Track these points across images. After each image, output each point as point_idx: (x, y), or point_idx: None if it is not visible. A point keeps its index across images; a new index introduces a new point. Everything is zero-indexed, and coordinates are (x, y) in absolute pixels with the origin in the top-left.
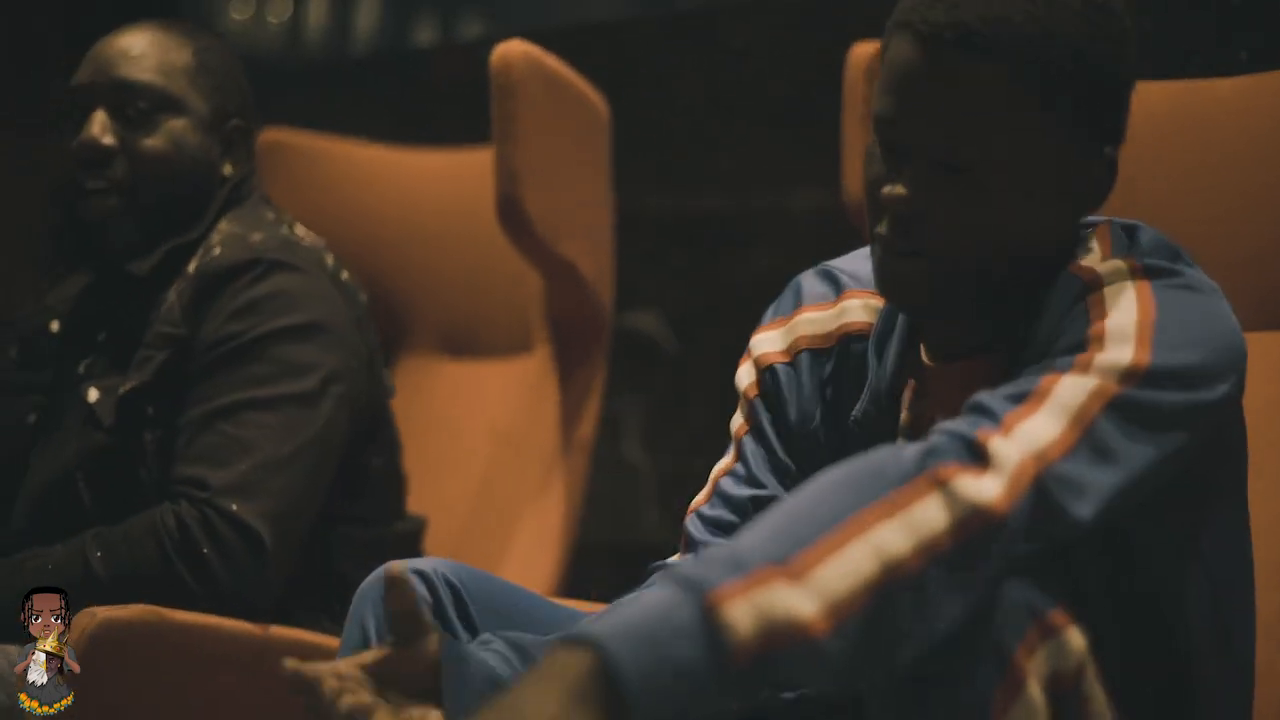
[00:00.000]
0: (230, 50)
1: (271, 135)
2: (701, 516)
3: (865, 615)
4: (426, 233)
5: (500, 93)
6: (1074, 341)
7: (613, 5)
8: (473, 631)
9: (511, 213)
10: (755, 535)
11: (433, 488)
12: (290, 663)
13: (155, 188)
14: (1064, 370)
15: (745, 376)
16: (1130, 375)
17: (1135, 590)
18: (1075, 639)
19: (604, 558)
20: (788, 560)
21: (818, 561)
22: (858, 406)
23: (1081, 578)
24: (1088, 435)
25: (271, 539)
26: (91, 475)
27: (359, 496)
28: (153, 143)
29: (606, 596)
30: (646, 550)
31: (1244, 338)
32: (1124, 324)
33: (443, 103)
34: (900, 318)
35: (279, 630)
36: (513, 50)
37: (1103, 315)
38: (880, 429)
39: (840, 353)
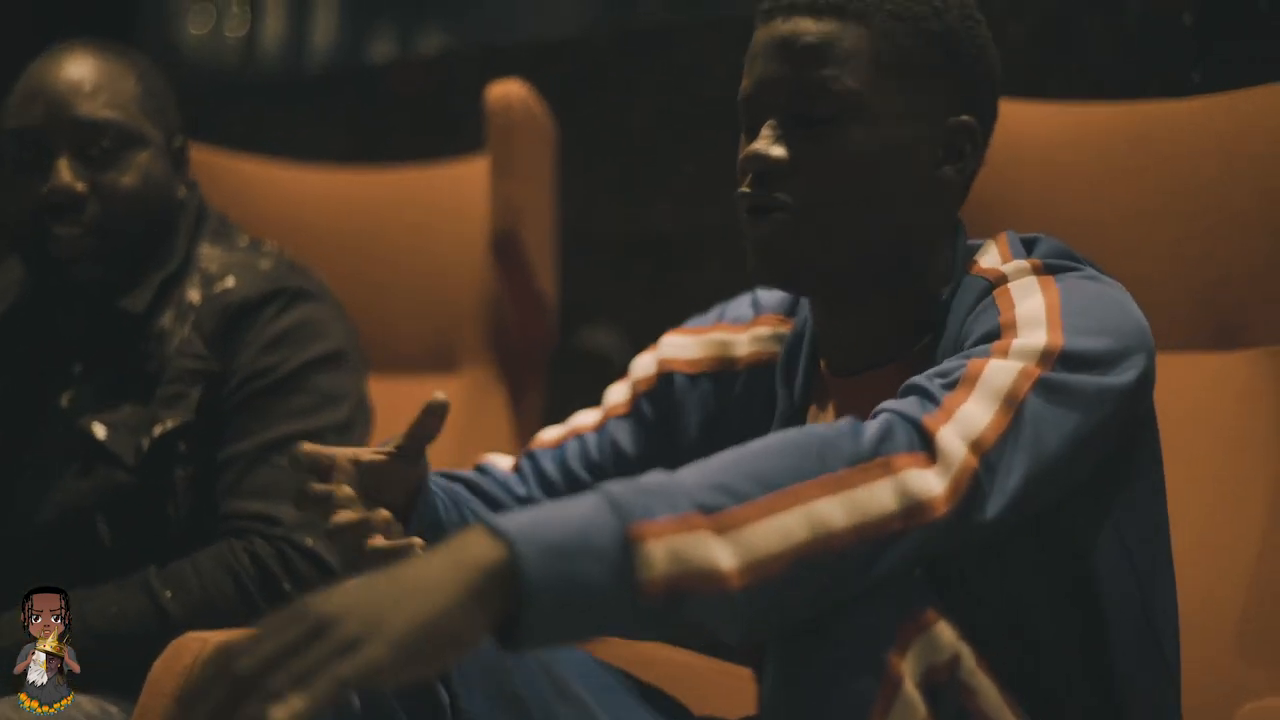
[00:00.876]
0: (159, 65)
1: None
2: (536, 465)
3: (783, 578)
4: (376, 251)
5: (499, 132)
6: (986, 331)
7: (567, 22)
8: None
9: (509, 248)
10: (697, 476)
11: None
12: (307, 447)
13: (128, 224)
14: (986, 356)
15: (643, 368)
16: (1048, 357)
17: (1060, 573)
18: (945, 632)
19: None
20: (722, 510)
21: (750, 520)
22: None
23: (1008, 562)
24: (1019, 417)
25: (343, 570)
26: (114, 514)
27: None
28: (124, 181)
29: None
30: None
31: (1147, 325)
32: (1034, 311)
33: (400, 117)
34: (805, 339)
35: None
36: (511, 90)
37: (1011, 306)
38: None
39: (748, 379)
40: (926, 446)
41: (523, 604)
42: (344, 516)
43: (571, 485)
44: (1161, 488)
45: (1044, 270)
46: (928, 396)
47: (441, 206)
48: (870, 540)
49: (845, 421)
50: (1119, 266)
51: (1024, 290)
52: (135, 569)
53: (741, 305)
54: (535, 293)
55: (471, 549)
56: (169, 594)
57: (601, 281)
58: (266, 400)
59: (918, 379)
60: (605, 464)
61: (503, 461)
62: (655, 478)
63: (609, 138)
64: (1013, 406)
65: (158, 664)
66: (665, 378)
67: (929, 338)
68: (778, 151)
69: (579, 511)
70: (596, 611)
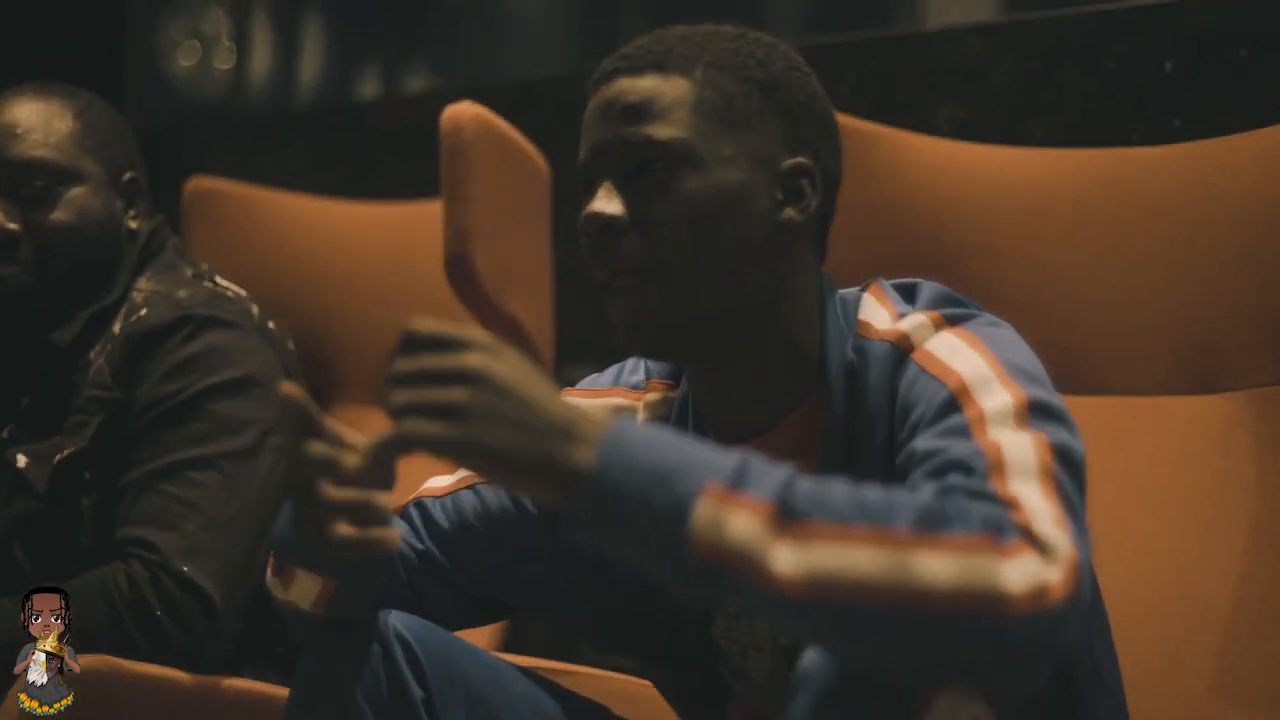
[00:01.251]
0: (106, 104)
1: (204, 184)
2: (426, 514)
3: (850, 611)
4: (355, 284)
5: (450, 153)
6: (941, 404)
7: (556, 61)
8: (424, 686)
9: (460, 270)
10: (822, 486)
11: None
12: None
13: (65, 260)
14: (972, 436)
15: None
16: (1021, 415)
17: None
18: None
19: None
20: (806, 518)
21: (827, 538)
22: None
23: None
24: (1059, 490)
25: (221, 598)
26: (28, 542)
27: None
28: (56, 217)
29: (543, 649)
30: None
31: None
32: (976, 369)
33: (385, 154)
34: (690, 407)
35: (230, 681)
36: (464, 111)
37: (946, 369)
38: None
39: None
40: (1030, 540)
41: (584, 491)
42: (347, 494)
43: (464, 535)
44: None
45: (946, 322)
46: (980, 494)
47: (418, 241)
48: (977, 611)
49: (943, 493)
50: (1099, 310)
51: (946, 348)
52: None
53: (636, 369)
54: (504, 320)
55: (590, 429)
56: None
57: (594, 319)
58: (163, 427)
59: (946, 481)
60: (502, 515)
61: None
62: (760, 461)
63: None
64: (1050, 479)
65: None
66: None
67: (814, 399)
68: (613, 208)
69: (685, 449)
70: (645, 533)
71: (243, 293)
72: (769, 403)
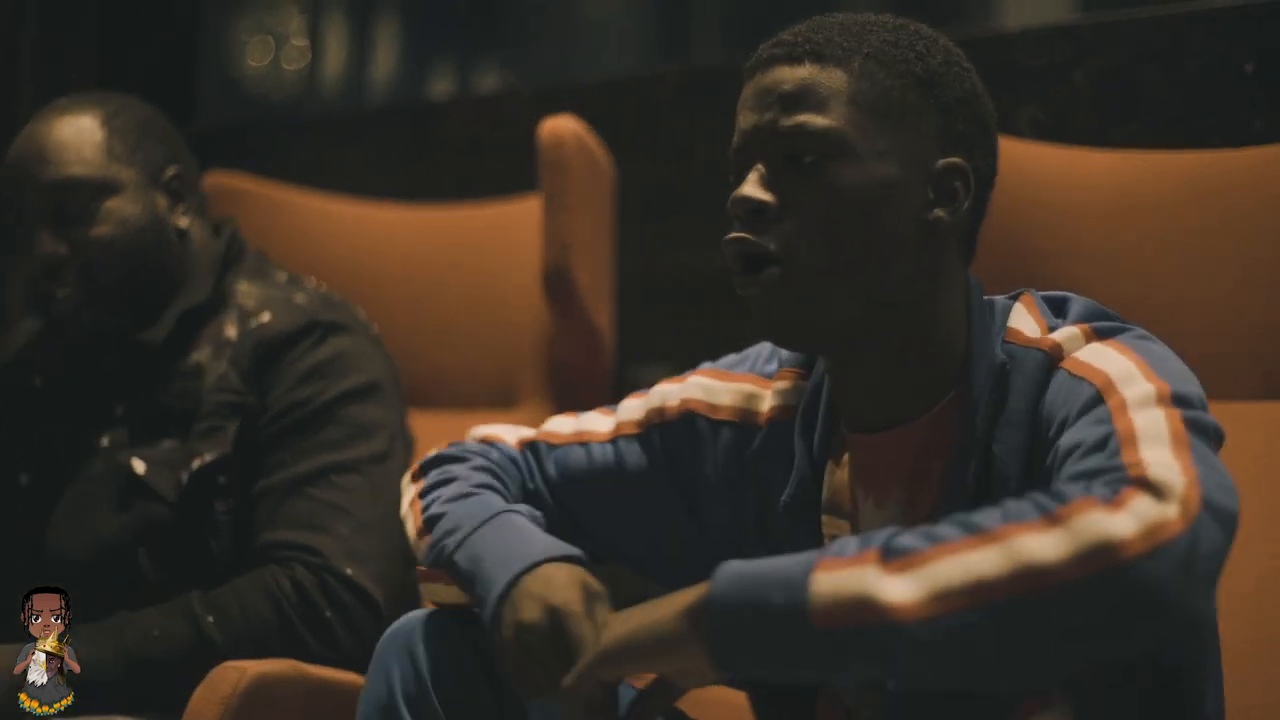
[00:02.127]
0: (141, 104)
1: (222, 180)
2: (540, 459)
3: (973, 612)
4: (383, 284)
5: (551, 167)
6: (1085, 402)
7: (626, 61)
8: (495, 686)
9: (561, 284)
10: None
11: None
12: None
13: (112, 272)
14: (1111, 419)
15: (665, 398)
16: (1163, 399)
17: None
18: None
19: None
20: (910, 552)
21: (939, 556)
22: (787, 490)
23: None
24: (1196, 451)
25: (383, 599)
26: (155, 549)
27: None
28: (98, 232)
29: None
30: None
31: None
32: (1123, 368)
33: (456, 155)
34: (824, 395)
35: None
36: (563, 126)
37: (1094, 372)
38: (804, 511)
39: (769, 433)
40: (1143, 485)
41: (710, 618)
42: None
43: (568, 486)
44: None
45: (1098, 335)
46: (1113, 469)
47: (498, 244)
48: (1097, 568)
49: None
50: (1181, 315)
51: (1096, 355)
52: None
53: (771, 357)
54: (590, 329)
55: (696, 587)
56: (211, 619)
57: (658, 322)
58: (300, 433)
59: (1083, 466)
60: (605, 478)
61: (509, 436)
62: (873, 533)
63: (667, 178)
64: (1184, 444)
65: (198, 692)
66: (687, 416)
67: (952, 395)
68: (764, 194)
69: (787, 557)
70: (774, 633)
71: (338, 294)
72: (905, 399)
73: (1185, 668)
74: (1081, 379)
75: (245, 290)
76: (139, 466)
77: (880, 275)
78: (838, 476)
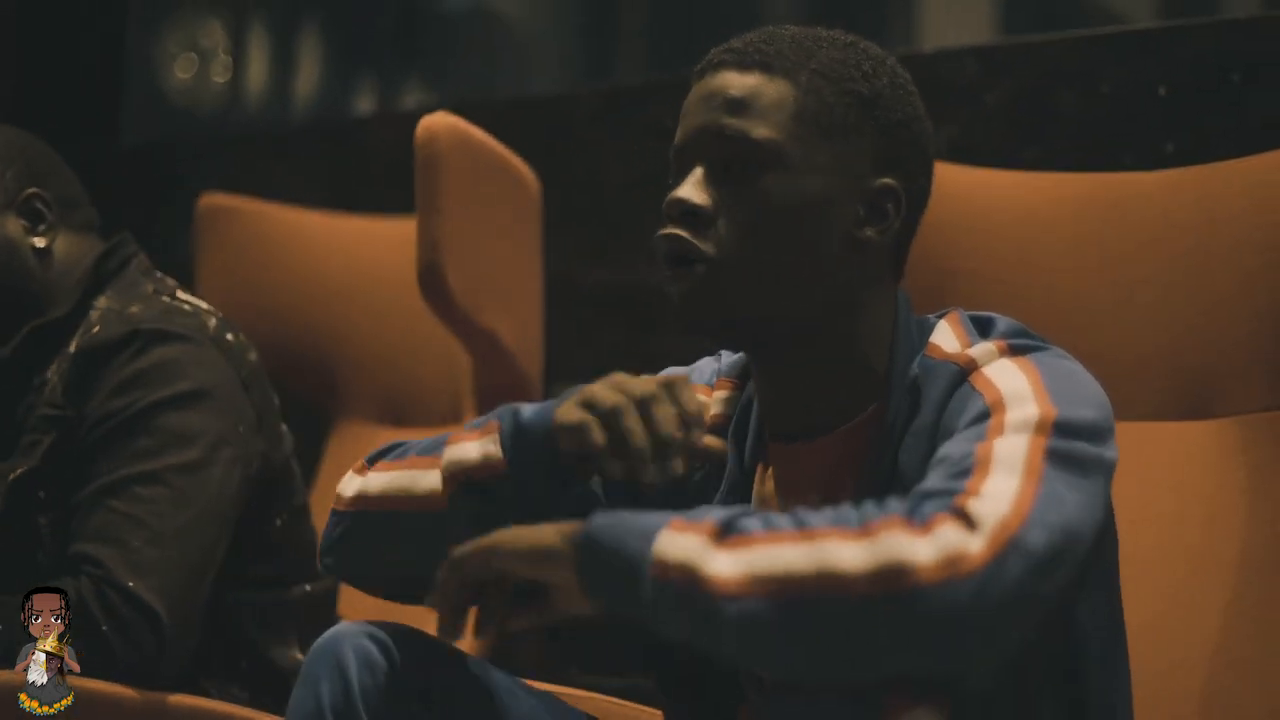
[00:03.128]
0: None
1: (217, 200)
2: None
3: (782, 603)
4: (365, 300)
5: (424, 163)
6: (975, 415)
7: (549, 80)
8: (426, 701)
9: (433, 282)
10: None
11: None
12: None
13: None
14: (983, 438)
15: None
16: (1044, 426)
17: (1048, 658)
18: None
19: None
20: (742, 532)
21: (762, 542)
22: (718, 495)
23: None
24: (1042, 486)
25: (168, 613)
26: None
27: (261, 559)
28: None
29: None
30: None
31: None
32: (1018, 387)
33: (379, 170)
34: (754, 403)
35: (179, 698)
36: (438, 122)
37: (991, 388)
38: None
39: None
40: (961, 515)
41: (580, 547)
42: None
43: None
44: (1116, 575)
45: (1011, 351)
46: (947, 492)
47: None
48: (895, 589)
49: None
50: (1093, 335)
51: (1001, 371)
52: None
53: (707, 368)
54: (479, 334)
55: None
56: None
57: (582, 336)
58: (112, 443)
59: (929, 483)
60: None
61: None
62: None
63: (589, 195)
64: (1034, 475)
65: None
66: None
67: (873, 407)
68: (700, 197)
69: (662, 514)
70: (621, 575)
71: (204, 305)
72: (829, 409)
73: (1084, 676)
74: (980, 393)
75: (103, 305)
76: None
77: (804, 286)
78: (767, 485)
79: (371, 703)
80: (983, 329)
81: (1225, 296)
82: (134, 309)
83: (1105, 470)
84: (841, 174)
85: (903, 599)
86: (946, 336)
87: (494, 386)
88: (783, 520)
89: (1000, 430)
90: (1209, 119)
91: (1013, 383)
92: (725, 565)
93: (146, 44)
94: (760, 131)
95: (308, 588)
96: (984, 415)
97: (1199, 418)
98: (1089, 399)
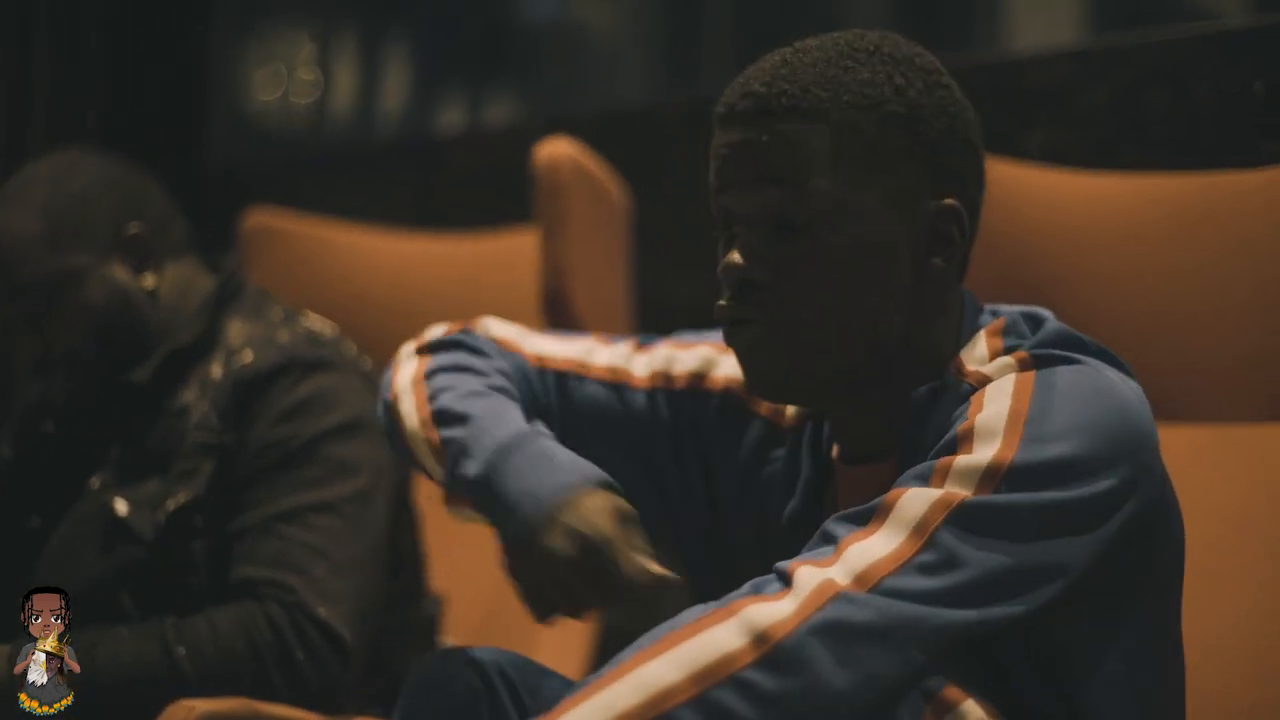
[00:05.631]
0: (85, 162)
1: (263, 219)
2: (551, 384)
3: None
4: (426, 319)
5: (546, 191)
6: (944, 445)
7: (636, 92)
8: None
9: (558, 307)
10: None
11: (454, 567)
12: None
13: (87, 353)
14: (913, 482)
15: (699, 359)
16: (989, 477)
17: (1030, 701)
18: (973, 710)
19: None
20: (554, 711)
21: (576, 704)
22: (790, 504)
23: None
24: (928, 546)
25: (353, 642)
26: (136, 590)
27: (393, 579)
28: (64, 328)
29: None
30: None
31: (1148, 424)
32: (992, 419)
33: (467, 186)
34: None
35: None
36: (558, 149)
37: (978, 411)
38: (808, 527)
39: (793, 443)
40: (784, 583)
41: None
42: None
43: (577, 419)
44: (1173, 603)
45: (1030, 364)
46: (828, 540)
47: (498, 274)
48: (715, 684)
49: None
50: (1183, 336)
51: (997, 392)
52: None
53: None
54: None
55: None
56: (182, 650)
57: None
58: (279, 472)
59: (830, 522)
60: (614, 422)
61: (525, 345)
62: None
63: (679, 208)
64: (922, 536)
65: None
66: (722, 394)
67: (912, 436)
68: (755, 264)
69: None
70: None
71: (335, 329)
72: (886, 435)
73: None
74: (965, 415)
75: (235, 329)
76: (121, 508)
77: (874, 334)
78: (829, 505)
79: None
80: (1034, 329)
81: None
82: (282, 336)
83: (1076, 512)
84: (898, 209)
85: (727, 690)
86: (978, 349)
87: None
88: (592, 676)
89: (940, 477)
90: None
91: (992, 411)
92: None
93: (230, 66)
94: (809, 186)
95: (421, 606)
96: (949, 447)
97: None
98: (1080, 427)
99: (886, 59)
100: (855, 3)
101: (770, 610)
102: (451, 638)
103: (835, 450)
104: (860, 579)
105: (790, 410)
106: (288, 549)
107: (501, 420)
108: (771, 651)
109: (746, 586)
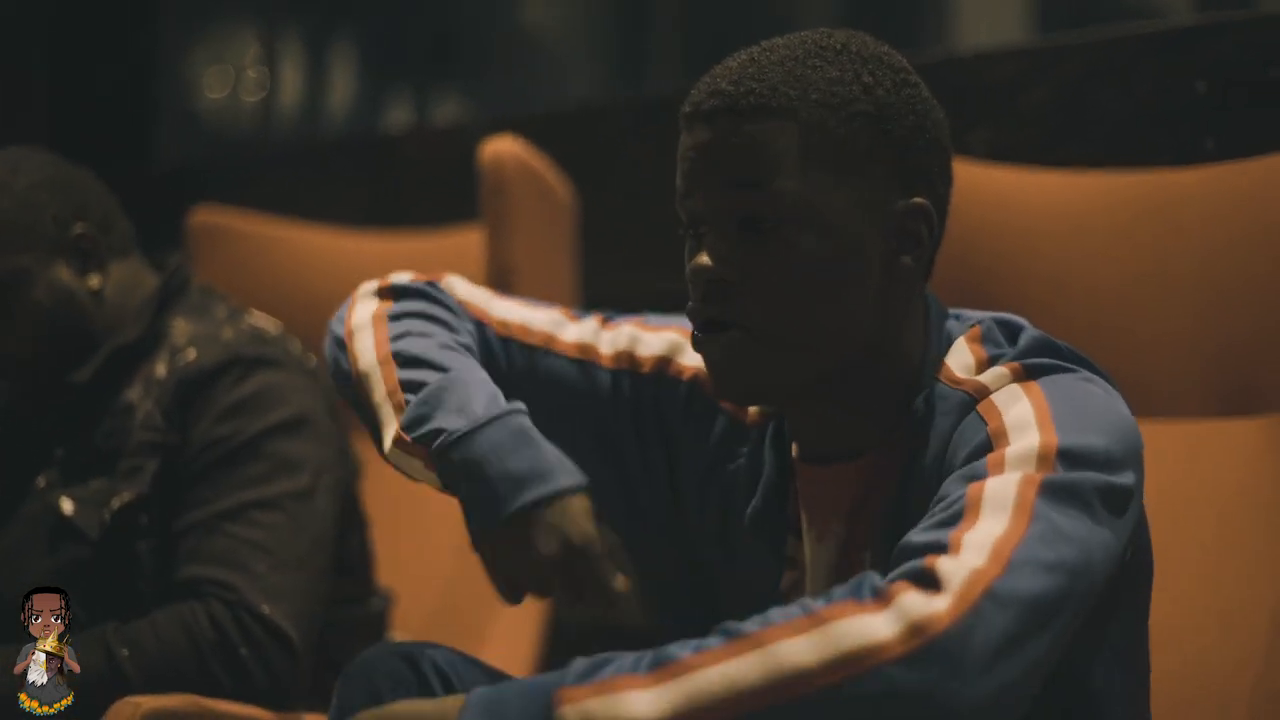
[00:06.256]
0: (28, 161)
1: (208, 216)
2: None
3: None
4: None
5: (492, 189)
6: (976, 448)
7: (584, 91)
8: None
9: None
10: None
11: (403, 564)
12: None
13: (31, 355)
14: (980, 477)
15: (665, 343)
16: (1045, 458)
17: (1062, 696)
18: None
19: (583, 637)
20: (673, 660)
21: (700, 666)
22: (753, 502)
23: None
24: (1034, 522)
25: (298, 638)
26: (82, 590)
27: (340, 577)
28: (8, 330)
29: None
30: (623, 628)
31: (1138, 429)
32: (1022, 416)
33: (414, 184)
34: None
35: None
36: (503, 147)
37: (998, 416)
38: (771, 528)
39: (755, 440)
40: (927, 580)
41: None
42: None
43: (538, 395)
44: (1147, 605)
45: (1025, 375)
46: (927, 549)
47: (444, 271)
48: (854, 673)
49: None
50: (1131, 332)
51: (1008, 399)
52: None
53: None
54: None
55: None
56: (125, 652)
57: None
58: (221, 469)
59: (913, 536)
60: (575, 399)
61: (491, 310)
62: (614, 655)
63: (625, 206)
64: (1025, 513)
65: None
66: (691, 382)
67: (897, 433)
68: (723, 266)
69: (536, 679)
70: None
71: (280, 326)
72: (856, 435)
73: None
74: (984, 423)
75: (180, 327)
76: (67, 506)
77: (844, 333)
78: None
79: None
80: (1012, 339)
81: (1266, 293)
82: (227, 334)
83: (1118, 499)
84: (866, 209)
85: (872, 681)
86: (963, 356)
87: None
88: (709, 640)
89: (999, 466)
90: (1248, 115)
91: (1017, 410)
92: (651, 703)
93: (177, 64)
94: (775, 187)
95: (369, 603)
96: (985, 448)
97: (1243, 415)
98: (1101, 424)
99: (855, 57)
100: (804, 1)
101: (924, 603)
102: (400, 634)
103: (795, 449)
104: (995, 556)
105: (753, 407)
106: (231, 547)
107: (478, 385)
108: (926, 645)
109: (862, 578)
